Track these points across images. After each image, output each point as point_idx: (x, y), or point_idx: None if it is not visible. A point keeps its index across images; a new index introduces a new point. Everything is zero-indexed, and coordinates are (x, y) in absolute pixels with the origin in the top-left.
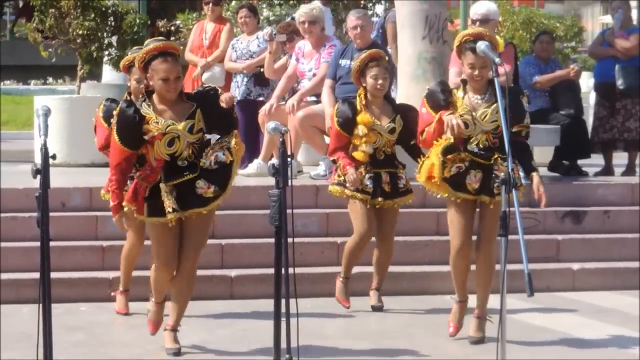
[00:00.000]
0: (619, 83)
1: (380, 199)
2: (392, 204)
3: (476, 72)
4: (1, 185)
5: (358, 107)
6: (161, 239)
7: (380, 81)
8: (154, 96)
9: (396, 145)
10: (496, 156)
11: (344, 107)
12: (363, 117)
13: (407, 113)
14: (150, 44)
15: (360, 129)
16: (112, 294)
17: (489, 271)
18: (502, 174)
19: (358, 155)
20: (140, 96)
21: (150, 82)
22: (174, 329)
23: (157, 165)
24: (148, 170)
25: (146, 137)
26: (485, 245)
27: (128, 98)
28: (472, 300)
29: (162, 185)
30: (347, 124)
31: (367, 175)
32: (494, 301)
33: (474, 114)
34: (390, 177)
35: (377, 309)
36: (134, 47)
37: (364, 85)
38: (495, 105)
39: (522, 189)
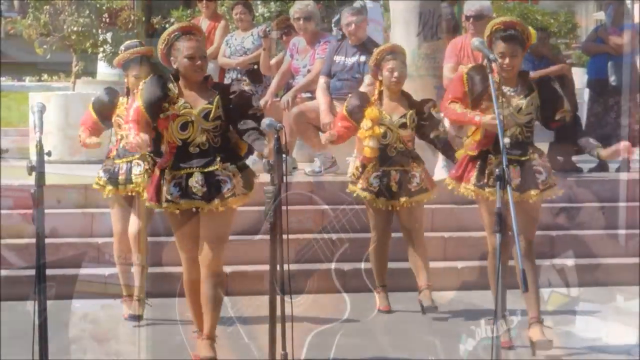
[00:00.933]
0: (612, 79)
1: (382, 198)
2: (397, 204)
3: (507, 61)
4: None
5: (371, 100)
6: (176, 227)
7: (395, 74)
8: (180, 81)
9: (421, 140)
10: (532, 151)
11: (355, 96)
12: (371, 110)
13: (422, 106)
14: (173, 25)
15: (365, 123)
16: (122, 300)
17: (531, 274)
18: (498, 170)
19: (365, 151)
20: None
21: (174, 65)
22: (210, 337)
23: (168, 151)
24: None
25: (162, 115)
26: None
27: (125, 96)
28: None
29: (166, 171)
30: (355, 111)
31: (374, 174)
32: (488, 298)
33: (511, 108)
34: (400, 175)
35: (429, 309)
36: (127, 42)
37: (380, 78)
38: (530, 97)
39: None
